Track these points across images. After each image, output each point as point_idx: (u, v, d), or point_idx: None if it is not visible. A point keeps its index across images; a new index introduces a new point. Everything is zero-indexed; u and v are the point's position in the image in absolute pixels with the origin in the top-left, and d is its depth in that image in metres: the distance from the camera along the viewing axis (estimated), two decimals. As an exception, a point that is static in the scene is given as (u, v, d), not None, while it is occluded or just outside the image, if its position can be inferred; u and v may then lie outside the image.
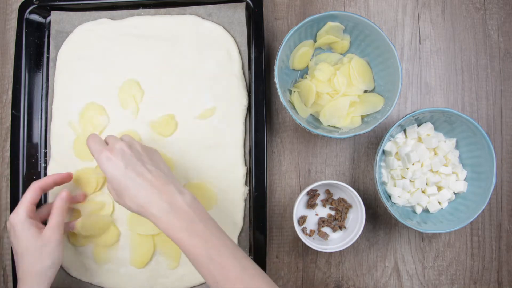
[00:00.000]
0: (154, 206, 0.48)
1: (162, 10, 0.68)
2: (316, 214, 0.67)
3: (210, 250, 0.46)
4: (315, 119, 0.66)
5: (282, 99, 0.58)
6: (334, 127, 0.64)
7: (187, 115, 0.65)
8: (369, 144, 0.69)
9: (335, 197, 0.67)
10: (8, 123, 0.69)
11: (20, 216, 0.54)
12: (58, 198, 0.58)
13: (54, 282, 0.65)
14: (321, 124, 0.65)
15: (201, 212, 0.49)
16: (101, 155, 0.50)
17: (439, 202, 0.63)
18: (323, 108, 0.64)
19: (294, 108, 0.64)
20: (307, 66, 0.67)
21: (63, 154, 0.66)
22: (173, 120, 0.65)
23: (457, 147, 0.64)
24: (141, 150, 0.53)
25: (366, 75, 0.64)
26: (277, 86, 0.59)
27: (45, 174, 0.66)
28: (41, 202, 0.67)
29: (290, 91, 0.65)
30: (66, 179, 0.62)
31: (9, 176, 0.65)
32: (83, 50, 0.67)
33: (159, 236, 0.64)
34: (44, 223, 0.58)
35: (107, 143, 0.53)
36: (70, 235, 0.65)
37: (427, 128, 0.63)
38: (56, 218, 0.56)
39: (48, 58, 0.69)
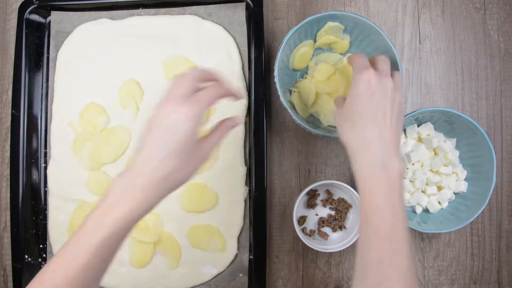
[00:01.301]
0: (376, 151, 0.44)
1: (162, 10, 0.68)
2: (316, 214, 0.67)
3: (394, 226, 0.43)
4: (315, 119, 0.66)
5: (282, 99, 0.58)
6: (334, 127, 0.64)
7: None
8: (369, 144, 0.69)
9: (335, 197, 0.67)
10: (8, 123, 0.69)
11: (198, 110, 0.42)
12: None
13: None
14: (321, 124, 0.65)
15: (401, 188, 0.46)
16: (363, 75, 0.46)
17: (439, 202, 0.63)
18: (323, 108, 0.64)
19: (294, 108, 0.64)
20: (307, 66, 0.67)
21: (63, 154, 0.65)
22: None
23: (457, 147, 0.64)
24: (397, 100, 0.48)
25: None
26: (277, 86, 0.59)
27: (45, 174, 0.66)
28: (40, 202, 0.67)
29: (290, 91, 0.65)
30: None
31: (9, 176, 0.64)
32: (83, 50, 0.67)
33: (159, 237, 0.64)
34: None
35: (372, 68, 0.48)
36: (70, 235, 0.65)
37: (427, 128, 0.63)
38: (218, 138, 0.48)
39: (48, 58, 0.69)
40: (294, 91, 0.64)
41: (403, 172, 0.46)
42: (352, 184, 0.69)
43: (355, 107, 0.46)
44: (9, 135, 0.67)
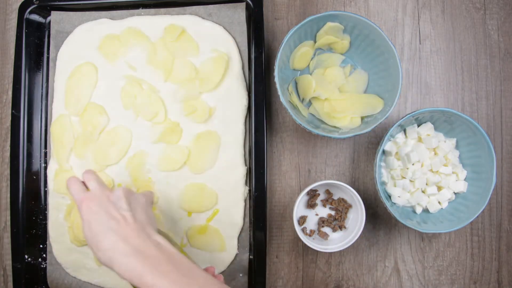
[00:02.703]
0: (117, 250, 0.45)
1: (162, 10, 0.68)
2: (316, 214, 0.67)
3: None
4: (315, 119, 0.66)
5: (282, 99, 0.58)
6: (334, 127, 0.64)
7: (187, 115, 0.65)
8: (369, 144, 0.69)
9: (335, 197, 0.67)
10: (8, 123, 0.69)
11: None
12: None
13: (54, 282, 0.65)
14: (322, 124, 0.65)
15: (171, 254, 0.46)
16: (82, 205, 0.49)
17: (439, 202, 0.63)
18: (323, 103, 0.64)
19: (294, 108, 0.64)
20: (308, 66, 0.67)
21: (63, 154, 0.65)
22: (178, 127, 0.65)
23: (457, 147, 0.64)
24: (122, 196, 0.51)
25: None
26: (277, 86, 0.59)
27: (45, 174, 0.66)
28: (40, 202, 0.67)
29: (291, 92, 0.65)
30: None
31: (9, 176, 0.64)
32: (83, 50, 0.67)
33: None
34: None
35: (85, 185, 0.53)
36: (70, 235, 0.65)
37: (427, 128, 0.63)
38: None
39: (48, 58, 0.69)
40: (291, 92, 0.65)
41: (162, 241, 0.48)
42: (352, 184, 0.69)
43: (92, 232, 0.47)
44: (9, 135, 0.67)
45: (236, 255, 0.65)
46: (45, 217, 0.66)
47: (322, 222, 0.66)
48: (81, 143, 0.65)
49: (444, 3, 0.71)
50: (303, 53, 0.65)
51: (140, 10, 0.68)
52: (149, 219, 0.52)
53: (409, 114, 0.60)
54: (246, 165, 0.65)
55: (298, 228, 0.63)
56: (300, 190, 0.68)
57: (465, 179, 0.63)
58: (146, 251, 0.45)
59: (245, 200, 0.65)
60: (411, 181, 0.63)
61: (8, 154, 0.67)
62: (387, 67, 0.61)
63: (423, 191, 0.63)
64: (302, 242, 0.63)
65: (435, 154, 0.64)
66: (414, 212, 0.64)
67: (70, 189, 0.52)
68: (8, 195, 0.64)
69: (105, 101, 0.66)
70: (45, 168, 0.67)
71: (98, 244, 0.46)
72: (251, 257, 0.64)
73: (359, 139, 0.69)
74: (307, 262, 0.68)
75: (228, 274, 0.64)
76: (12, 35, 0.70)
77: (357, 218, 0.64)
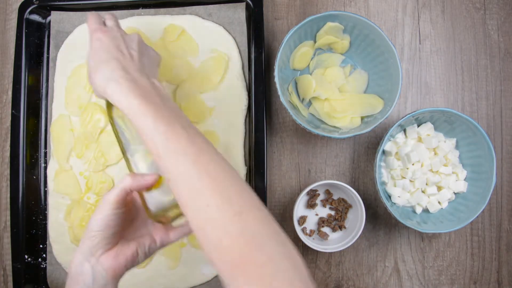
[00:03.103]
0: (115, 74, 0.45)
1: (162, 10, 0.68)
2: (316, 214, 0.67)
3: (158, 120, 0.42)
4: (315, 119, 0.66)
5: (282, 99, 0.58)
6: (334, 127, 0.64)
7: (187, 115, 0.65)
8: (369, 144, 0.69)
9: (335, 197, 0.67)
10: (8, 123, 0.69)
11: None
12: None
13: (54, 282, 0.65)
14: (322, 124, 0.65)
15: (163, 94, 0.47)
16: (94, 34, 0.50)
17: (439, 202, 0.63)
18: (323, 103, 0.64)
19: (294, 108, 0.64)
20: (308, 66, 0.67)
21: (63, 154, 0.65)
22: None
23: (457, 147, 0.64)
24: (136, 40, 0.52)
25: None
26: (277, 86, 0.59)
27: (45, 174, 0.66)
28: (40, 202, 0.67)
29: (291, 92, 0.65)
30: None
31: (9, 176, 0.64)
32: (83, 50, 0.67)
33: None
34: None
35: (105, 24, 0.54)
36: (70, 235, 0.65)
37: (427, 128, 0.63)
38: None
39: (48, 58, 0.69)
40: (291, 92, 0.65)
41: (160, 85, 0.48)
42: (352, 184, 0.69)
43: (95, 60, 0.48)
44: (9, 135, 0.67)
45: (236, 255, 0.65)
46: (45, 217, 0.66)
47: (322, 222, 0.66)
48: (81, 143, 0.65)
49: (444, 3, 0.71)
50: (303, 53, 0.65)
51: (140, 10, 0.68)
52: (153, 70, 0.52)
53: (409, 114, 0.60)
54: (246, 165, 0.65)
55: (298, 228, 0.63)
56: (300, 190, 0.68)
57: (465, 179, 0.63)
58: (141, 82, 0.46)
59: (245, 200, 0.65)
60: (411, 181, 0.63)
61: (8, 154, 0.67)
62: (387, 67, 0.61)
63: (423, 191, 0.63)
64: (302, 242, 0.63)
65: (435, 154, 0.64)
66: (414, 212, 0.64)
67: (88, 20, 0.53)
68: (8, 195, 0.64)
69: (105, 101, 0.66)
70: (45, 168, 0.67)
71: (99, 68, 0.47)
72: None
73: (359, 139, 0.69)
74: (307, 262, 0.68)
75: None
76: (12, 35, 0.70)
77: (357, 218, 0.64)
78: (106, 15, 0.55)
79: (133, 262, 0.47)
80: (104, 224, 0.45)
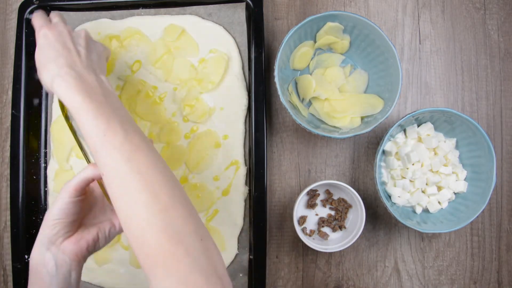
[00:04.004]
0: (61, 71, 0.47)
1: (162, 10, 0.68)
2: (316, 214, 0.67)
3: (98, 116, 0.43)
4: (315, 119, 0.66)
5: (282, 99, 0.58)
6: (334, 127, 0.64)
7: (187, 115, 0.65)
8: (369, 144, 0.69)
9: (335, 197, 0.67)
10: (8, 123, 0.69)
11: None
12: None
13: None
14: (322, 124, 0.65)
15: (109, 92, 0.48)
16: (40, 31, 0.51)
17: (439, 202, 0.63)
18: (323, 103, 0.64)
19: (294, 108, 0.64)
20: (308, 66, 0.67)
21: (63, 154, 0.65)
22: (177, 127, 0.65)
23: (457, 147, 0.64)
24: (83, 36, 0.53)
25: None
26: (277, 86, 0.59)
27: (45, 174, 0.66)
28: (40, 202, 0.67)
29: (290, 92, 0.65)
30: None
31: (9, 176, 0.64)
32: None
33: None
34: None
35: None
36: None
37: (427, 128, 0.63)
38: None
39: (48, 58, 0.69)
40: (291, 93, 0.65)
41: (107, 82, 0.49)
42: (352, 184, 0.69)
43: (42, 57, 0.49)
44: (9, 135, 0.67)
45: (236, 255, 0.65)
46: (45, 217, 0.66)
47: (322, 222, 0.66)
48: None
49: (444, 3, 0.71)
50: (303, 53, 0.65)
51: (140, 10, 0.68)
52: (101, 65, 0.53)
53: (409, 114, 0.60)
54: (246, 165, 0.65)
55: (298, 228, 0.63)
56: (300, 190, 0.68)
57: (465, 179, 0.63)
58: (86, 78, 0.47)
59: (245, 200, 0.65)
60: (411, 181, 0.63)
61: (8, 154, 0.67)
62: (387, 67, 0.61)
63: (423, 191, 0.63)
64: (302, 242, 0.63)
65: (435, 154, 0.64)
66: (414, 212, 0.64)
67: (33, 17, 0.54)
68: (8, 195, 0.64)
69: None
70: (45, 168, 0.67)
71: (46, 65, 0.48)
72: (251, 257, 0.64)
73: (359, 139, 0.69)
74: (307, 262, 0.68)
75: (228, 274, 0.64)
76: (12, 35, 0.70)
77: (357, 218, 0.64)
78: (51, 13, 0.56)
79: (95, 246, 0.49)
80: (64, 213, 0.47)
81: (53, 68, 0.47)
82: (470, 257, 0.68)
